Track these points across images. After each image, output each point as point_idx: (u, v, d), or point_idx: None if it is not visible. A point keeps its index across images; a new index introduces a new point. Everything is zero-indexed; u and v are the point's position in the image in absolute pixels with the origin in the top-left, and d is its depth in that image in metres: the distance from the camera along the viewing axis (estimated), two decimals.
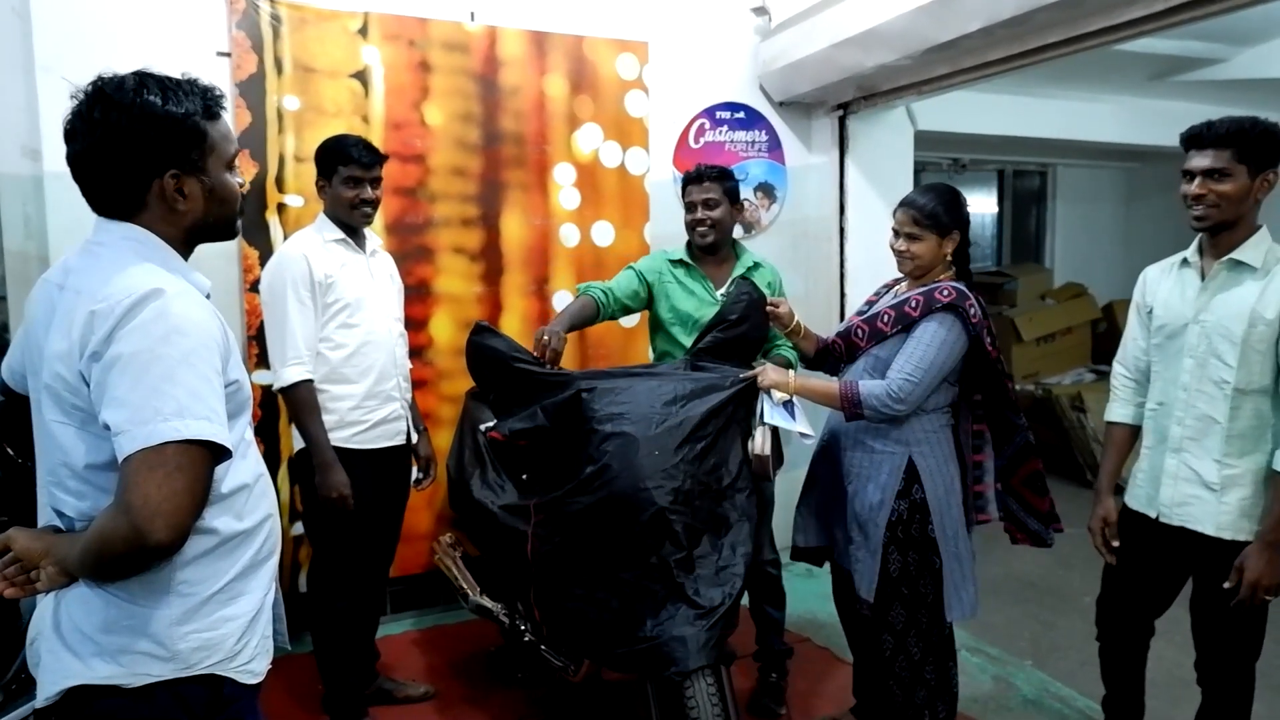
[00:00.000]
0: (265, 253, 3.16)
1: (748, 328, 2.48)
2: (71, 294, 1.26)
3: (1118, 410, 2.39)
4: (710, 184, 2.78)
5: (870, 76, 3.67)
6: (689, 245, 2.88)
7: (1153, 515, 2.23)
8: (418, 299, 3.42)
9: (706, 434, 2.24)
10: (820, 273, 4.34)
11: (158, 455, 1.15)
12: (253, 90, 3.17)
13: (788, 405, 2.37)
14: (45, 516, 1.32)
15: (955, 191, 2.35)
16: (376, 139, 3.20)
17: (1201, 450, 2.13)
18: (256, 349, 3.18)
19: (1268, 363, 2.04)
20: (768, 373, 2.37)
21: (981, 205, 7.41)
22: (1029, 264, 7.20)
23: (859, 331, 2.41)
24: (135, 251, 1.28)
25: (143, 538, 1.14)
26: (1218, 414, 2.09)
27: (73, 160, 1.29)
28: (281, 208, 3.23)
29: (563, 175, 3.72)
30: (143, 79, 1.28)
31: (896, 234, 2.35)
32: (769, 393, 2.35)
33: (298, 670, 2.99)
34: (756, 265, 2.87)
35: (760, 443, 2.33)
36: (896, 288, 2.48)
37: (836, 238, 4.31)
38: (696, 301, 2.81)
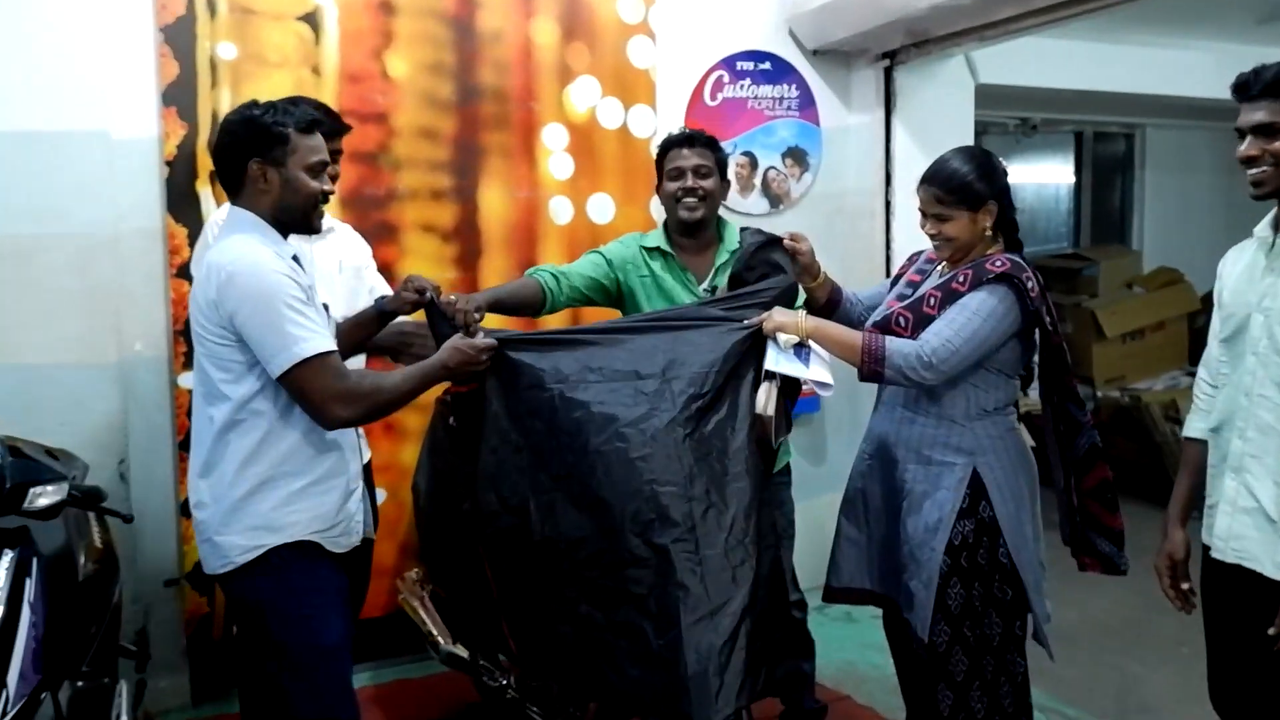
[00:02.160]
0: (194, 228, 3.18)
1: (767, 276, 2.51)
2: (211, 258, 2.06)
3: (1196, 424, 2.31)
4: (703, 149, 2.75)
5: (922, 19, 3.65)
6: (666, 230, 2.82)
7: (1213, 551, 2.15)
8: None
9: (704, 394, 2.24)
10: (860, 256, 4.33)
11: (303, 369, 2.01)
12: (180, 35, 3.16)
13: (799, 350, 2.34)
14: (201, 419, 2.14)
15: (985, 154, 2.41)
16: (329, 95, 3.24)
17: (1262, 469, 2.04)
18: (184, 346, 3.18)
19: None
20: (773, 315, 2.34)
21: (1055, 175, 7.38)
22: (1113, 245, 7.20)
23: (901, 319, 2.38)
24: (241, 228, 2.09)
25: (328, 419, 2.05)
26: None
27: (212, 155, 2.33)
28: (214, 176, 3.19)
29: (553, 138, 3.71)
30: (268, 105, 2.12)
31: (924, 215, 2.39)
32: (775, 338, 2.32)
33: None
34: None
35: (764, 400, 2.30)
36: (940, 265, 2.47)
37: (881, 214, 4.32)
38: (673, 303, 2.70)
